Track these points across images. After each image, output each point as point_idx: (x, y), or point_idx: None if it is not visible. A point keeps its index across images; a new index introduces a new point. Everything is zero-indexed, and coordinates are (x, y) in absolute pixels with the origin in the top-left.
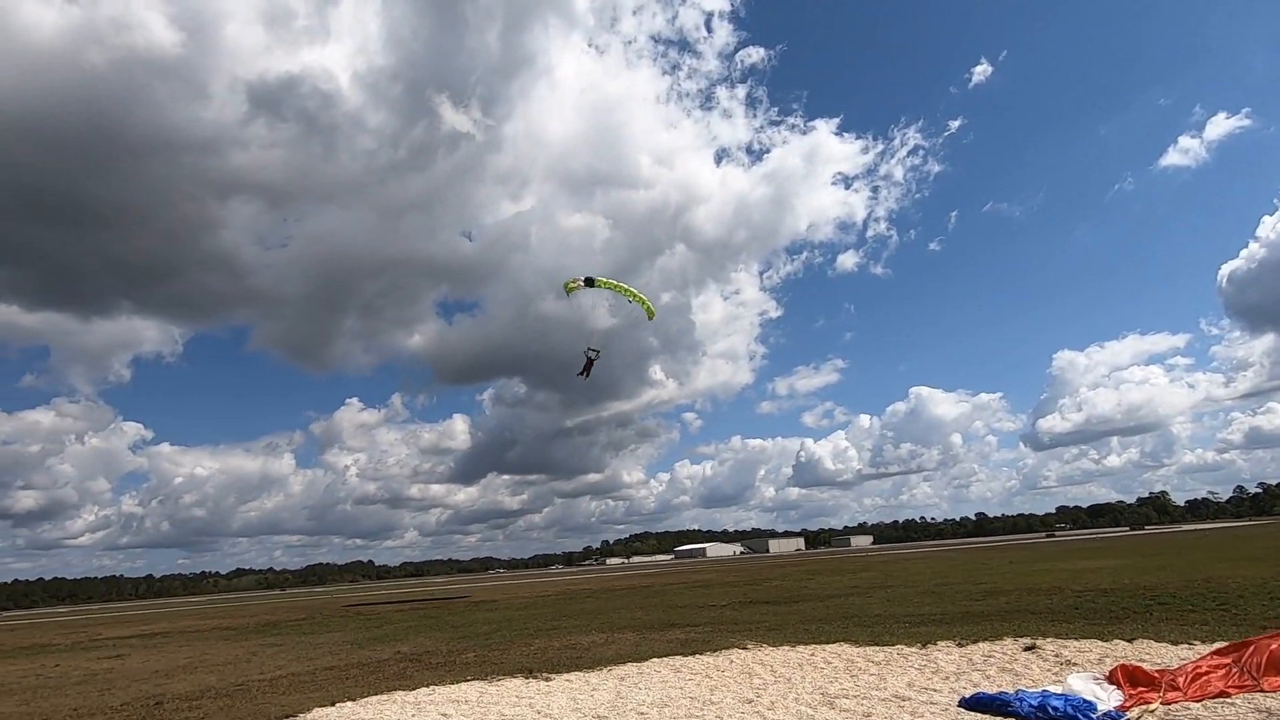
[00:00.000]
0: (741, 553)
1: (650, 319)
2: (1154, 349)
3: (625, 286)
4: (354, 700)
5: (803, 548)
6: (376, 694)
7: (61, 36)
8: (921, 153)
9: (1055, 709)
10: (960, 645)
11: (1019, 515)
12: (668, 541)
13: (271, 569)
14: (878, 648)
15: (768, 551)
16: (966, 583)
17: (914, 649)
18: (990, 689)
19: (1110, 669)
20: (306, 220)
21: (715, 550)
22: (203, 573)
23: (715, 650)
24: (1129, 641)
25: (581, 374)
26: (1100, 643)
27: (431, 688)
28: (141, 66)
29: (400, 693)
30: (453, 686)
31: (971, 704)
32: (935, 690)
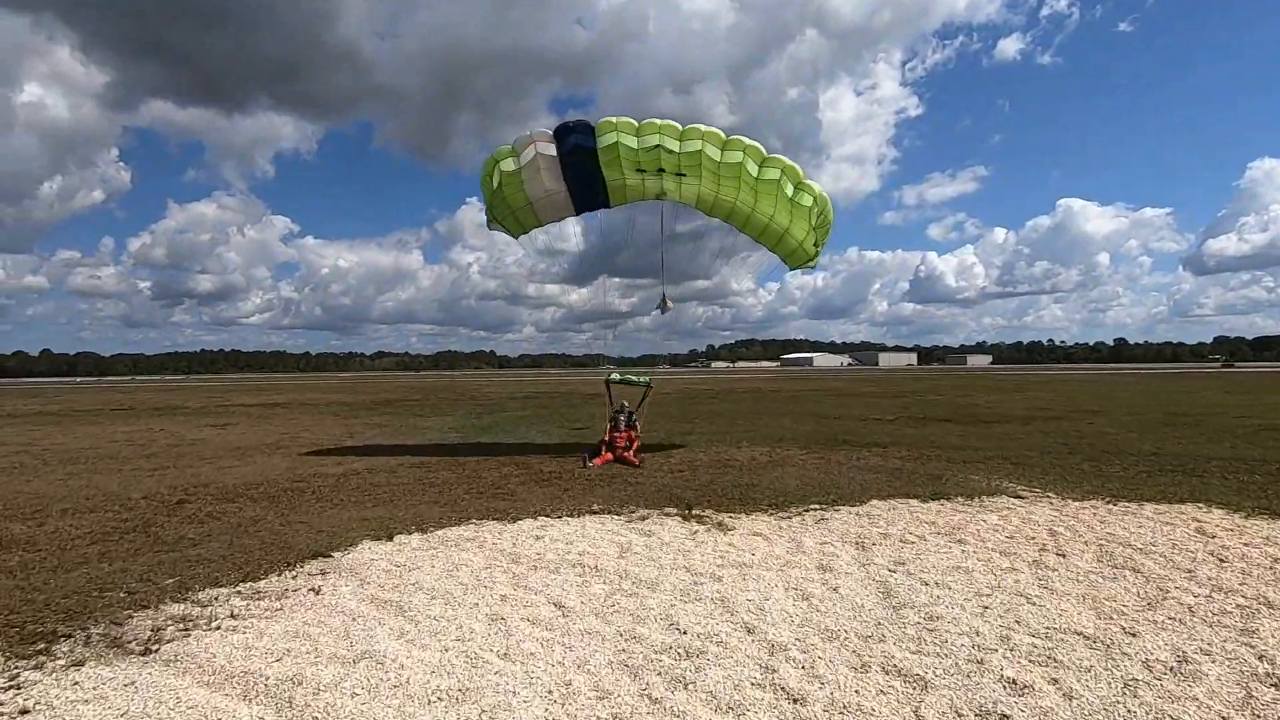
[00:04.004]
0: (849, 364)
1: (801, 265)
2: None
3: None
4: (423, 532)
5: (914, 363)
6: (457, 525)
7: None
8: None
9: None
10: None
11: (1164, 344)
12: (773, 350)
13: (408, 353)
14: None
15: (877, 365)
16: (1204, 413)
17: None
18: None
19: None
20: (420, 9)
21: (822, 360)
22: (350, 353)
23: (969, 497)
24: None
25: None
26: None
27: (541, 521)
28: None
29: (492, 523)
30: (570, 524)
31: None
32: None
